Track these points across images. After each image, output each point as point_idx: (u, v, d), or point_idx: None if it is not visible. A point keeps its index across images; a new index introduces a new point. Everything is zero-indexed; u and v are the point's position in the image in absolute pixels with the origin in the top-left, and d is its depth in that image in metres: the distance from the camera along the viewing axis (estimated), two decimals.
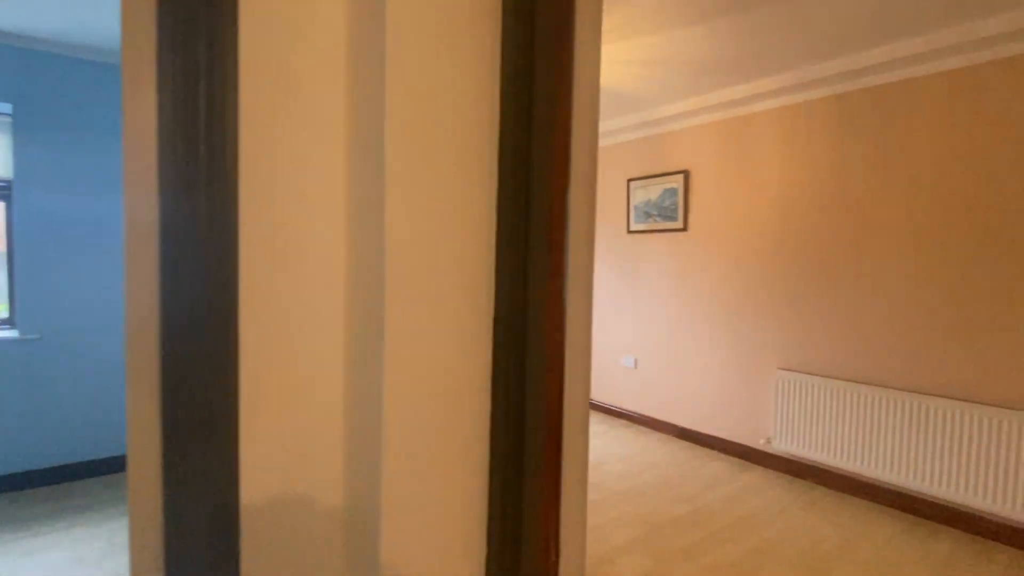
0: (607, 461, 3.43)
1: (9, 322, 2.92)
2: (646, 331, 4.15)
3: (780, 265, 3.29)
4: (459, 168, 0.77)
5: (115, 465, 3.07)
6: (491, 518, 0.83)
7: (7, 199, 2.88)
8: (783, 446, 3.22)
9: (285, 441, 0.73)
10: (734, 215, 3.54)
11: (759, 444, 3.40)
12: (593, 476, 3.18)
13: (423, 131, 0.73)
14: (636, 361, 4.23)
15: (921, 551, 2.40)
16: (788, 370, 3.24)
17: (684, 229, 3.86)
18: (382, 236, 0.71)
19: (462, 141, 0.77)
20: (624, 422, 4.28)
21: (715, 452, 3.63)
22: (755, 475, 3.25)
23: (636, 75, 3.12)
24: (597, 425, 4.17)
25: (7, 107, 2.77)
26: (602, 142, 4.49)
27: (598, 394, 4.58)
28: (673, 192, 3.92)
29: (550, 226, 0.82)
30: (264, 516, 0.71)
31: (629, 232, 4.27)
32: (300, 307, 0.74)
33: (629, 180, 4.24)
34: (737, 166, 3.52)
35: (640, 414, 4.20)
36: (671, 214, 3.94)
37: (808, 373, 3.15)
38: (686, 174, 3.82)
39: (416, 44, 0.72)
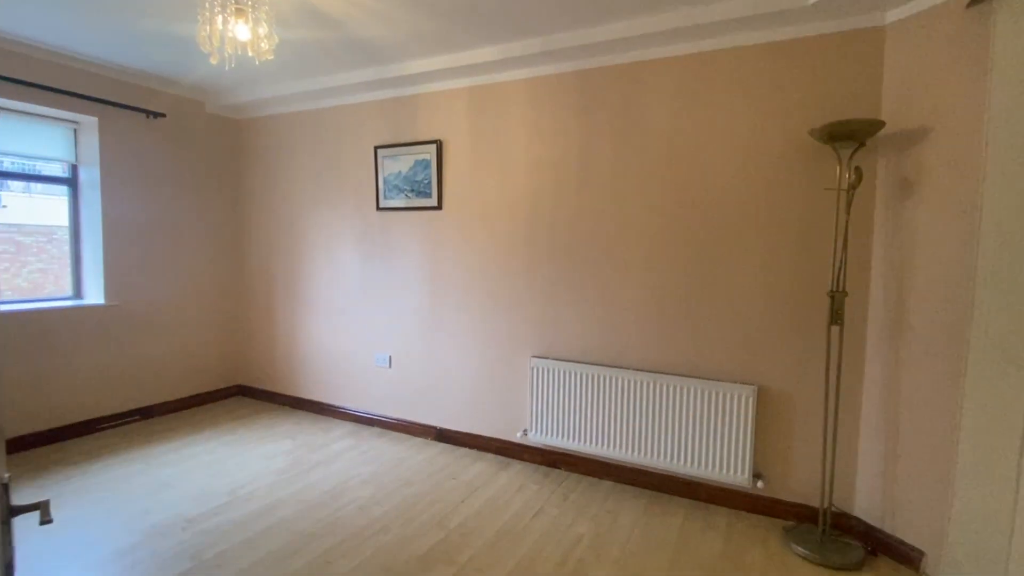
0: (349, 488, 2.80)
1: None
2: (401, 324, 3.62)
3: (533, 247, 3.10)
4: None
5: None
6: None
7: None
8: (538, 437, 3.07)
9: None
10: (488, 193, 3.24)
11: (516, 437, 3.21)
12: (326, 512, 2.53)
13: None
14: (391, 359, 3.68)
15: (661, 530, 2.42)
16: (541, 357, 3.09)
17: (438, 207, 3.43)
18: None
19: None
20: (377, 430, 3.70)
21: (475, 452, 3.33)
22: (513, 472, 3.03)
23: (360, 5, 2.50)
24: (343, 440, 3.50)
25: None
26: (343, 100, 3.75)
27: (347, 401, 3.90)
28: (426, 164, 3.44)
29: None
30: None
31: (379, 209, 3.66)
32: None
33: (377, 148, 3.61)
34: (490, 139, 3.21)
35: (396, 419, 3.68)
36: (424, 189, 3.46)
37: (560, 359, 3.04)
38: (439, 144, 3.38)
39: None
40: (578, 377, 2.94)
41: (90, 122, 3.50)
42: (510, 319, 3.20)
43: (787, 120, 2.44)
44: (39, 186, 3.58)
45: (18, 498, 2.59)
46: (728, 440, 2.57)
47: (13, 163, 3.46)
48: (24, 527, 2.31)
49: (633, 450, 2.80)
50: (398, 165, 3.54)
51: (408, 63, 3.19)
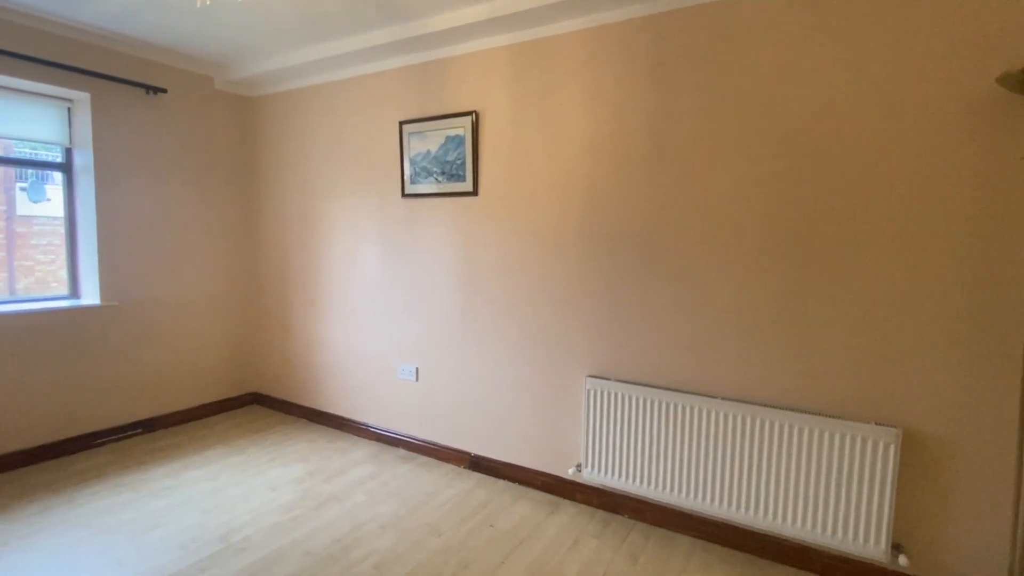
0: (365, 536, 2.30)
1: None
2: (430, 332, 3.09)
3: (590, 241, 2.51)
4: None
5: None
6: None
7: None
8: (595, 475, 2.49)
9: None
10: (534, 175, 2.65)
11: (568, 473, 2.64)
12: (334, 572, 2.02)
13: None
14: (417, 371, 3.16)
15: None
16: (600, 377, 2.50)
17: (474, 193, 2.86)
18: None
19: None
20: (403, 453, 3.19)
21: (517, 487, 2.78)
22: (565, 518, 2.47)
23: None
24: (362, 466, 3.00)
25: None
26: (363, 68, 3.22)
27: (368, 416, 3.41)
28: (459, 141, 2.88)
29: None
30: None
31: (404, 196, 3.13)
32: None
33: (402, 123, 3.07)
34: (537, 109, 2.62)
35: (424, 440, 3.16)
36: (457, 172, 2.91)
37: (623, 381, 2.44)
38: (475, 117, 2.81)
39: None
40: (647, 405, 2.34)
41: (82, 99, 3.09)
42: (560, 329, 2.62)
43: (958, 64, 1.75)
44: None
45: None
46: (857, 497, 1.93)
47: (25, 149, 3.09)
48: None
49: (721, 501, 2.19)
50: (426, 143, 3.00)
51: (436, 17, 2.63)
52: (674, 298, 2.31)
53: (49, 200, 3.30)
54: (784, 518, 2.06)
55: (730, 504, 2.16)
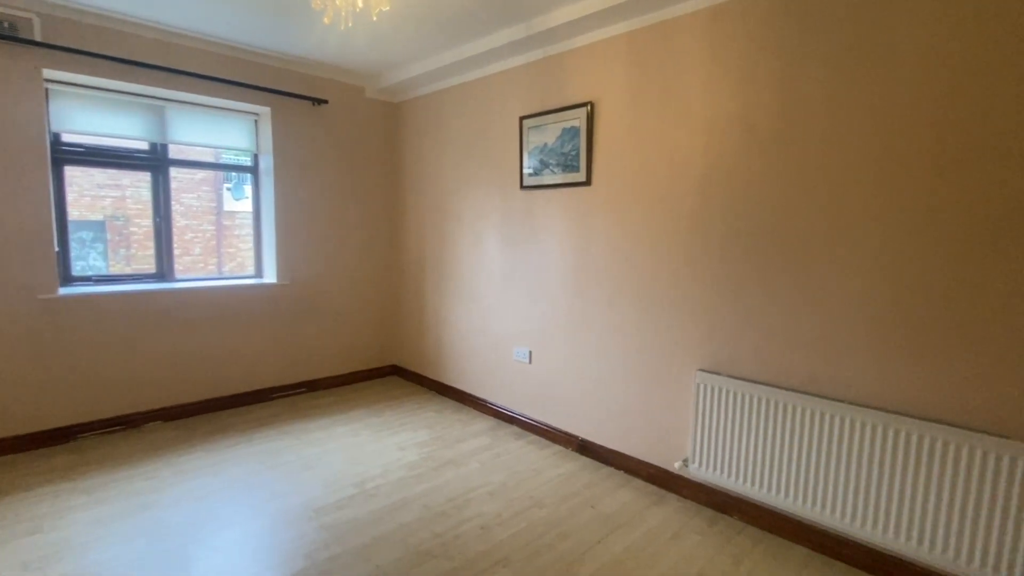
0: (475, 499, 2.51)
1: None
2: (543, 317, 3.22)
3: (704, 230, 2.41)
4: None
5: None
6: None
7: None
8: (703, 472, 2.42)
9: None
10: (649, 164, 2.62)
11: (674, 467, 2.59)
12: (446, 526, 2.25)
13: None
14: (531, 354, 3.31)
15: None
16: (712, 372, 2.41)
17: (587, 183, 2.91)
18: None
19: None
20: (516, 430, 3.38)
21: (622, 474, 2.80)
22: (668, 511, 2.44)
23: None
24: (479, 438, 3.25)
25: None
26: (488, 69, 3.42)
27: (487, 394, 3.65)
28: (574, 133, 2.94)
29: None
30: None
31: (523, 188, 3.28)
32: None
33: (522, 118, 3.22)
34: (653, 95, 2.57)
35: (536, 421, 3.31)
36: (572, 163, 2.97)
37: (738, 377, 2.33)
38: (590, 108, 2.85)
39: None
40: (763, 405, 2.21)
41: (265, 112, 3.73)
42: (670, 320, 2.57)
43: None
44: None
45: (192, 461, 2.84)
46: (1015, 528, 1.64)
47: (231, 156, 3.88)
48: (175, 496, 2.47)
49: (846, 514, 2.00)
50: (543, 136, 3.10)
51: (556, 11, 2.71)
52: (798, 291, 2.14)
53: (247, 198, 4.05)
54: (920, 540, 1.82)
55: (855, 519, 1.97)
